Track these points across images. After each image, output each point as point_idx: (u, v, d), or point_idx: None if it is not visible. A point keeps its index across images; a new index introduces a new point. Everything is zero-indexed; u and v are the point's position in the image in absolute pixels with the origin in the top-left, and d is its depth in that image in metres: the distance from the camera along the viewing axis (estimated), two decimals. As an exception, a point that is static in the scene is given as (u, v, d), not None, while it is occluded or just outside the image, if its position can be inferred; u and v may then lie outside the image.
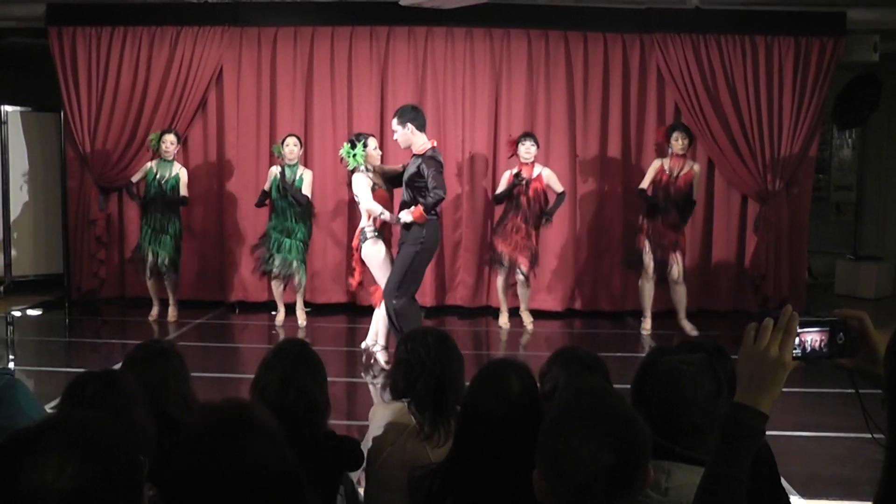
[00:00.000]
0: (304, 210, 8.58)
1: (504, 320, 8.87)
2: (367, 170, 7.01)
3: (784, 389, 1.69)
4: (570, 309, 9.51)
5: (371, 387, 6.74)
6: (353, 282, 7.38)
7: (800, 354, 1.70)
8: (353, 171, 7.05)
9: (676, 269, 8.39)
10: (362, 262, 7.06)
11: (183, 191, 8.79)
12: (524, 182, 8.46)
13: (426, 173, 6.61)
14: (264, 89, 9.60)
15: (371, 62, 9.53)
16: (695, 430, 2.04)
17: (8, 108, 10.23)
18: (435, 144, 6.91)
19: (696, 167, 8.54)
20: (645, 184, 8.48)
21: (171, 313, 8.95)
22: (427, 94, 9.48)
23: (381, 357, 6.97)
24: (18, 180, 10.30)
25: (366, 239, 6.91)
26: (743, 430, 1.65)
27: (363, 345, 7.13)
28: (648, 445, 1.73)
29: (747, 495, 1.69)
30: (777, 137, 9.36)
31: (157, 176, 8.67)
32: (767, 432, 1.73)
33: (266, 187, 8.68)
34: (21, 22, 9.85)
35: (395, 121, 6.89)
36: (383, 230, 6.98)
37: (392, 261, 6.93)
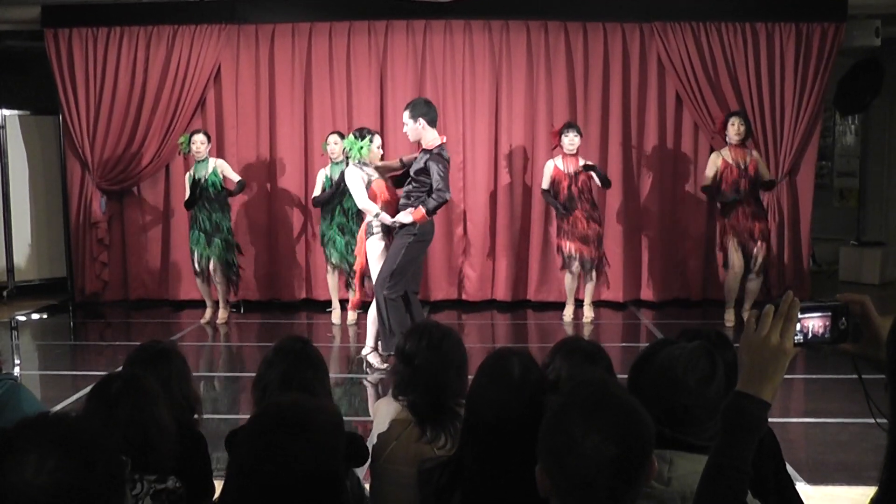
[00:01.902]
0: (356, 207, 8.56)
1: (569, 312, 8.88)
2: (364, 165, 6.95)
3: (788, 376, 1.67)
4: (576, 299, 9.49)
5: (368, 385, 6.71)
6: (355, 285, 7.33)
7: (801, 340, 1.68)
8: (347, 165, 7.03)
9: (759, 260, 8.29)
10: (365, 258, 7.02)
11: (233, 176, 8.66)
12: (570, 185, 8.46)
13: (433, 172, 6.54)
14: (263, 87, 9.60)
15: (370, 57, 9.51)
16: (686, 413, 2.02)
17: (6, 111, 10.23)
18: (444, 141, 6.84)
19: (755, 153, 8.48)
20: (709, 177, 8.37)
21: (221, 315, 8.91)
22: (426, 88, 9.46)
23: (374, 359, 6.91)
24: (19, 185, 10.29)
25: (371, 234, 6.84)
26: (745, 419, 1.63)
27: (362, 353, 7.07)
28: (652, 436, 1.72)
29: (753, 482, 1.68)
30: (779, 124, 9.32)
31: (197, 178, 8.58)
32: (772, 419, 1.71)
33: (316, 193, 8.66)
34: (17, 25, 9.86)
35: (406, 113, 6.78)
36: (386, 225, 6.86)
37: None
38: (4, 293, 10.19)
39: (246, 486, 1.81)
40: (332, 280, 8.84)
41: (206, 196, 8.55)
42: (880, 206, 11.55)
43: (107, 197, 9.70)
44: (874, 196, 11.62)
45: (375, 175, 6.94)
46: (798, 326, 1.67)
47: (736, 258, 8.32)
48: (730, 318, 8.52)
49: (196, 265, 8.68)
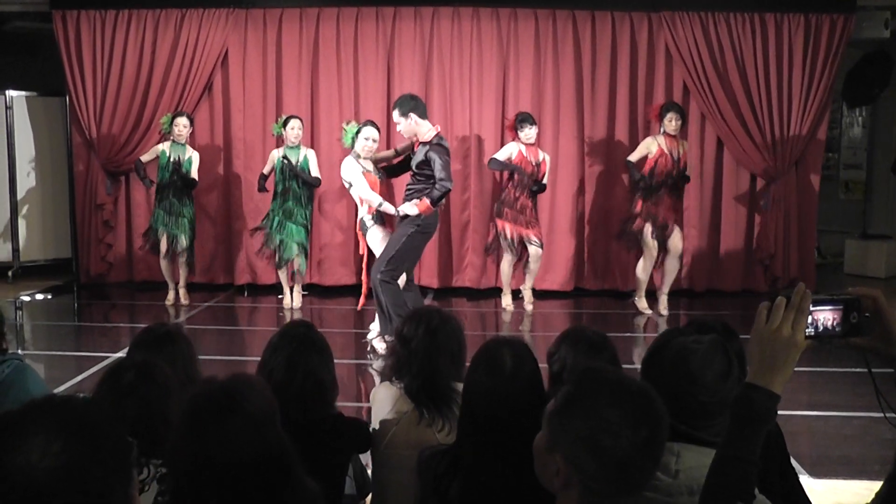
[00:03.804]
0: (308, 193, 8.57)
1: (507, 301, 8.85)
2: (358, 156, 6.96)
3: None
4: (578, 288, 9.51)
5: (374, 373, 6.68)
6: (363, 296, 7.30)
7: (812, 333, 1.68)
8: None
9: (677, 243, 8.33)
10: (369, 252, 7.01)
11: (194, 173, 8.73)
12: (529, 173, 8.43)
13: (434, 162, 6.56)
14: (270, 71, 9.58)
15: (377, 43, 9.49)
16: (701, 409, 2.02)
17: (13, 93, 10.23)
18: (439, 130, 6.85)
19: (686, 145, 8.50)
20: (634, 157, 8.37)
21: (183, 295, 8.94)
22: (433, 75, 9.45)
23: (379, 345, 6.87)
24: (25, 165, 10.31)
25: (366, 229, 6.88)
26: (755, 411, 1.64)
27: (368, 336, 7.04)
28: (668, 417, 1.75)
29: (758, 475, 1.68)
30: (786, 116, 9.30)
31: (172, 159, 8.62)
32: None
33: (266, 171, 8.66)
34: (25, 6, 9.87)
35: (395, 113, 6.82)
36: (381, 214, 6.93)
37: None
38: (10, 273, 10.21)
39: (184, 474, 1.81)
40: (282, 270, 8.80)
41: (178, 180, 8.60)
42: (886, 199, 11.52)
43: (112, 179, 9.70)
44: (880, 189, 11.59)
45: (369, 167, 6.96)
46: (809, 319, 1.67)
47: (652, 245, 8.33)
48: (643, 304, 8.61)
49: (162, 245, 8.70)
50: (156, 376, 2.55)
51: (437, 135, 6.71)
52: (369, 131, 7.02)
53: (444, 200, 6.79)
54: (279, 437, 1.91)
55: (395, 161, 7.32)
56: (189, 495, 1.83)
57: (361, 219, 6.91)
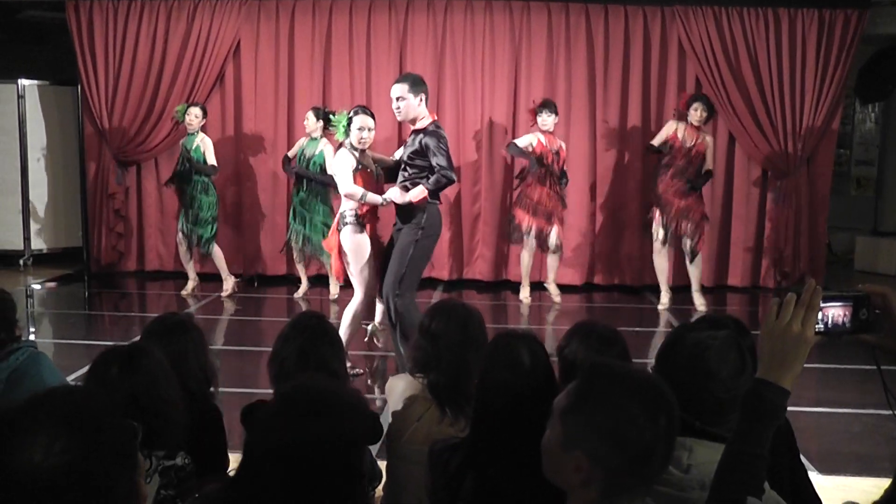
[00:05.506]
0: (323, 189, 8.47)
1: (525, 294, 8.84)
2: (354, 148, 5.96)
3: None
4: (589, 283, 9.49)
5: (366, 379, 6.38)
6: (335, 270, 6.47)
7: (822, 329, 1.69)
8: (340, 145, 6.17)
9: (686, 240, 8.32)
10: (340, 247, 6.08)
11: (210, 159, 8.61)
12: (544, 162, 8.41)
13: (432, 148, 5.78)
14: (282, 62, 9.58)
15: (390, 35, 9.48)
16: (717, 405, 2.03)
17: (25, 81, 10.26)
18: (436, 119, 6.17)
19: (709, 139, 8.41)
20: (656, 141, 8.44)
21: (226, 286, 8.90)
22: (446, 67, 9.44)
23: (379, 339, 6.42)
24: (37, 154, 10.34)
25: (345, 224, 5.94)
26: (765, 406, 1.64)
27: (368, 327, 6.42)
28: (678, 409, 1.77)
29: (767, 470, 1.69)
30: (799, 111, 9.26)
31: (184, 150, 8.62)
32: (784, 408, 1.72)
33: (290, 153, 8.70)
34: (39, -6, 9.89)
35: (404, 87, 5.88)
36: (364, 219, 5.93)
37: (370, 252, 5.97)
38: (21, 261, 10.27)
39: (266, 467, 1.79)
40: (298, 255, 8.87)
41: (189, 170, 8.59)
42: (898, 196, 11.48)
43: (123, 168, 9.73)
44: (892, 185, 11.53)
45: (367, 163, 6.04)
46: (819, 315, 1.68)
47: (660, 233, 8.34)
48: (664, 300, 8.55)
49: (180, 235, 8.77)
50: (140, 366, 2.51)
51: (433, 122, 5.98)
52: (362, 120, 5.90)
53: (439, 200, 6.01)
54: (355, 445, 1.86)
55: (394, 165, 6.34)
56: (253, 478, 1.81)
57: (343, 212, 6.01)
